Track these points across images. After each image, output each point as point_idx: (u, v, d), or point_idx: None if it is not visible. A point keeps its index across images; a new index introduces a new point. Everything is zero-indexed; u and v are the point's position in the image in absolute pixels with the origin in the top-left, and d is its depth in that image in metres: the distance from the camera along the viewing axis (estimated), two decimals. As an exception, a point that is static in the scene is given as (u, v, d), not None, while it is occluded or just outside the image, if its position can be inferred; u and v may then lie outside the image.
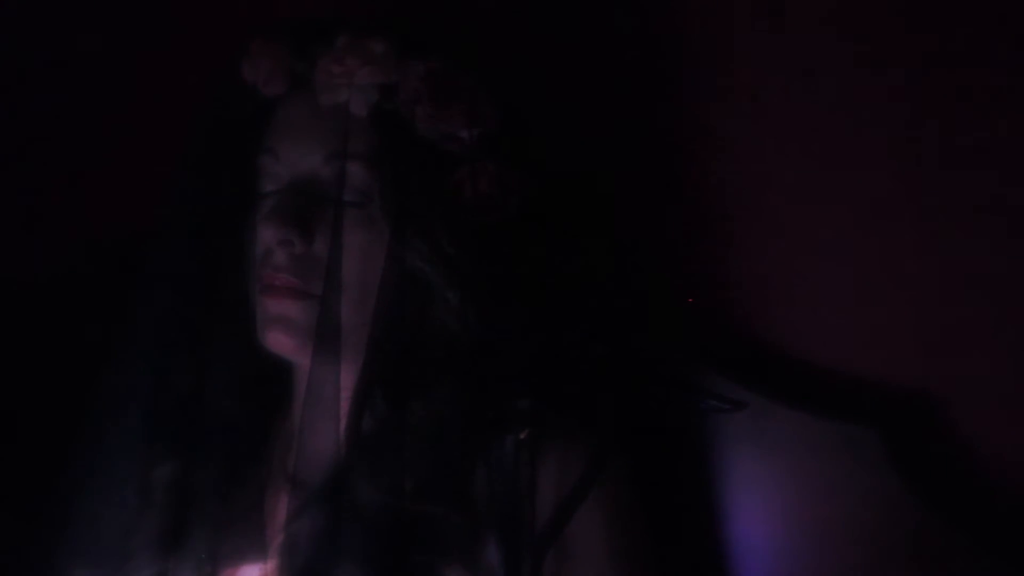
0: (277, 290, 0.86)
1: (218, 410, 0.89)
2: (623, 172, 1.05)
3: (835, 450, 0.94)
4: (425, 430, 0.85)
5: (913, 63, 0.94)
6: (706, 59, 1.02)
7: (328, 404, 0.83)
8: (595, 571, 0.86)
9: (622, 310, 1.00)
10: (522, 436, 0.85)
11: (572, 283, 0.95)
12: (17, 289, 1.14)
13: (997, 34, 0.92)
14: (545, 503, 0.85)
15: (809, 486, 0.96)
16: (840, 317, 0.97)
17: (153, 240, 0.92)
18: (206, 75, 0.94)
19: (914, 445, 0.92)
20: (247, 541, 0.86)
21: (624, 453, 0.90)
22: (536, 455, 0.85)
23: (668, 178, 1.03)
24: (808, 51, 0.97)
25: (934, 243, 0.94)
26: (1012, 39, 0.91)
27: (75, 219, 1.19)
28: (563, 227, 0.95)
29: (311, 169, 0.87)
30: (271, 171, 0.89)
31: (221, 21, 1.11)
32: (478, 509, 0.83)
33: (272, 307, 0.87)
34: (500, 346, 0.86)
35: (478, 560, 0.82)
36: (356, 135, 0.86)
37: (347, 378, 0.84)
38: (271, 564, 0.85)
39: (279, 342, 0.87)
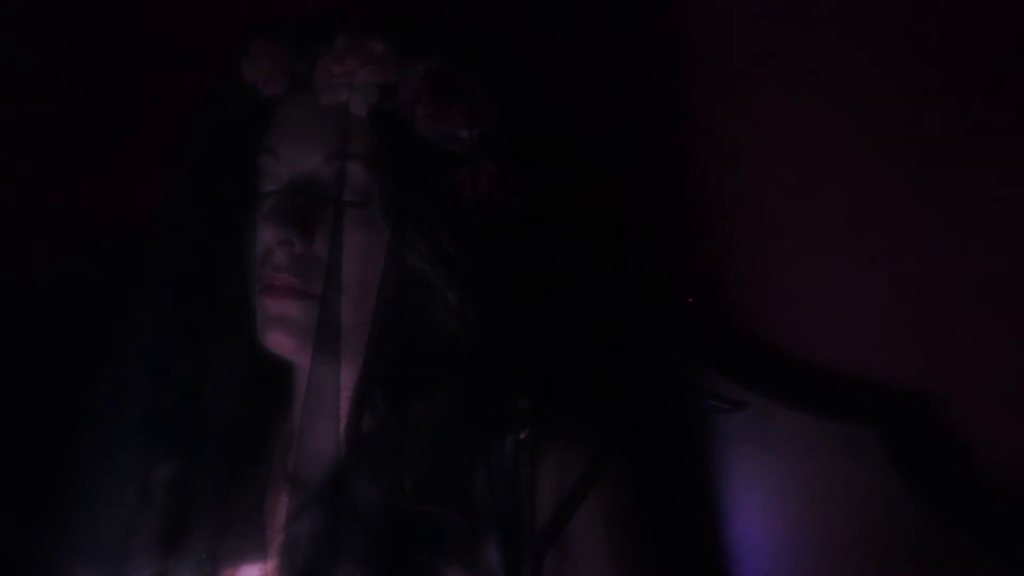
0: (277, 290, 0.86)
1: (218, 410, 0.88)
2: (623, 172, 1.05)
3: (835, 450, 0.94)
4: (425, 430, 0.85)
5: (913, 63, 0.94)
6: (706, 59, 1.02)
7: (328, 404, 0.83)
8: (595, 571, 0.86)
9: (622, 310, 1.00)
10: (522, 436, 0.85)
11: (572, 283, 0.95)
12: (17, 289, 1.14)
13: (997, 34, 0.92)
14: (545, 503, 0.85)
15: (809, 486, 0.96)
16: (840, 317, 0.97)
17: (153, 240, 0.92)
18: (206, 75, 0.94)
19: (914, 445, 0.92)
20: (247, 541, 0.86)
21: (624, 453, 0.90)
22: (536, 455, 0.85)
23: (668, 178, 1.03)
24: (808, 51, 0.97)
25: (934, 243, 0.94)
26: (1013, 39, 0.91)
27: (75, 219, 1.19)
28: (563, 227, 0.95)
29: (311, 169, 0.87)
30: (271, 171, 0.89)
31: (221, 21, 1.11)
32: (478, 509, 0.83)
33: (272, 307, 0.87)
34: (500, 346, 0.86)
35: (478, 560, 0.82)
36: (356, 135, 0.86)
37: (347, 378, 0.84)
38: (271, 564, 0.85)
39: (279, 342, 0.87)
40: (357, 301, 0.85)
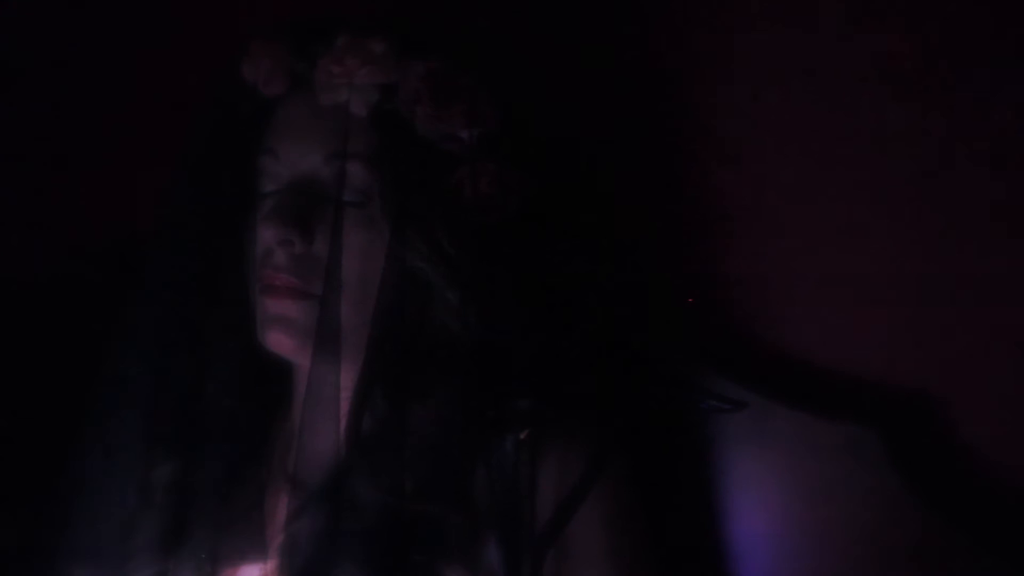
0: (277, 290, 0.86)
1: (218, 410, 0.88)
2: (623, 172, 1.05)
3: (835, 450, 0.94)
4: (425, 430, 0.85)
5: (913, 63, 0.94)
6: (706, 59, 1.02)
7: (328, 404, 0.83)
8: (595, 571, 0.86)
9: (622, 310, 1.00)
10: (522, 436, 0.85)
11: (572, 283, 0.95)
12: (17, 289, 1.14)
13: (998, 34, 0.92)
14: (545, 503, 0.85)
15: (809, 486, 0.96)
16: (840, 317, 0.97)
17: (153, 240, 0.92)
18: (206, 75, 0.94)
19: (914, 445, 0.92)
20: (247, 541, 0.86)
21: (624, 453, 0.90)
22: (536, 455, 0.85)
23: (668, 178, 1.03)
24: (808, 51, 0.97)
25: (934, 243, 0.94)
26: (1013, 39, 0.91)
27: (75, 219, 1.19)
28: (563, 227, 0.95)
29: (311, 169, 0.87)
30: (271, 171, 0.89)
31: (221, 21, 1.11)
32: (478, 509, 0.83)
33: (272, 307, 0.87)
34: (500, 346, 0.86)
35: (478, 560, 0.82)
36: (356, 135, 0.86)
37: (347, 378, 0.84)
38: (271, 564, 0.85)
39: (279, 342, 0.87)
40: (357, 301, 0.85)
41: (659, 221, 1.04)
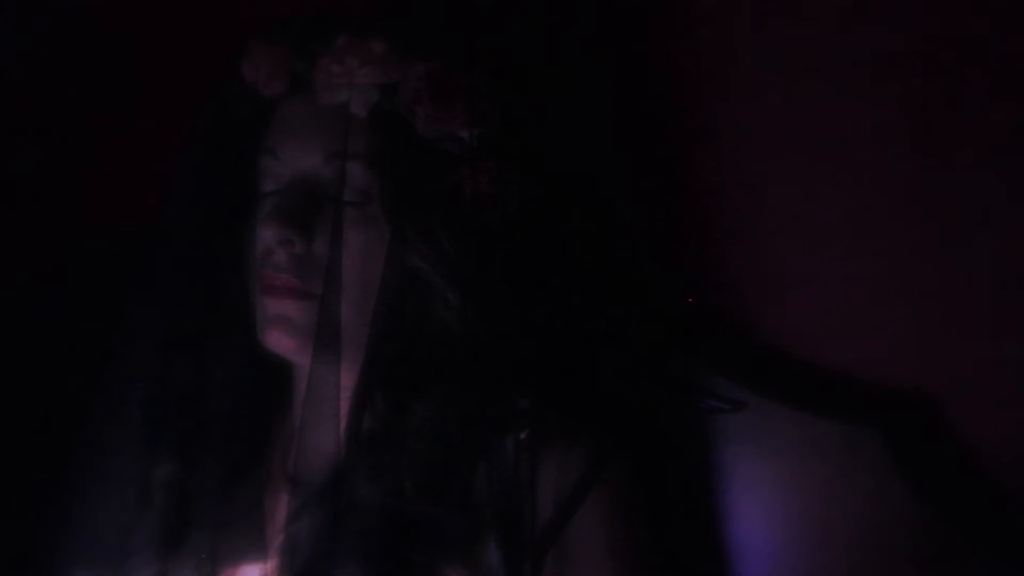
0: (277, 290, 0.86)
1: (218, 410, 0.89)
2: (623, 172, 1.05)
3: (835, 450, 0.94)
4: (425, 430, 0.85)
5: (913, 63, 0.94)
6: (706, 59, 1.02)
7: (328, 404, 0.83)
8: (595, 571, 0.86)
9: (622, 310, 1.00)
10: (522, 436, 0.85)
11: (572, 283, 0.95)
12: (17, 289, 1.14)
13: (998, 34, 0.92)
14: (545, 503, 0.85)
15: (809, 486, 0.96)
16: (840, 317, 0.97)
17: (153, 240, 0.92)
18: (206, 75, 0.94)
19: (914, 445, 0.92)
20: (247, 541, 0.86)
21: (624, 453, 0.90)
22: (536, 455, 0.85)
23: (668, 178, 1.03)
24: (808, 51, 0.97)
25: (934, 243, 0.94)
26: (1013, 39, 0.91)
27: (75, 219, 1.19)
28: (563, 227, 0.95)
29: (311, 169, 0.87)
30: (271, 171, 0.89)
31: (221, 21, 1.11)
32: (478, 509, 0.83)
33: (272, 307, 0.87)
34: (500, 346, 0.86)
35: (478, 560, 0.82)
36: (356, 135, 0.86)
37: (347, 378, 0.84)
38: (271, 564, 0.85)
39: (279, 342, 0.87)
40: (357, 301, 0.85)
41: (659, 221, 1.04)
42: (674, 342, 1.00)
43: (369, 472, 0.83)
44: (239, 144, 0.90)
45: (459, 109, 0.86)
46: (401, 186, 0.86)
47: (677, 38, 1.02)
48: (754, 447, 0.97)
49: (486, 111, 0.88)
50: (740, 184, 1.01)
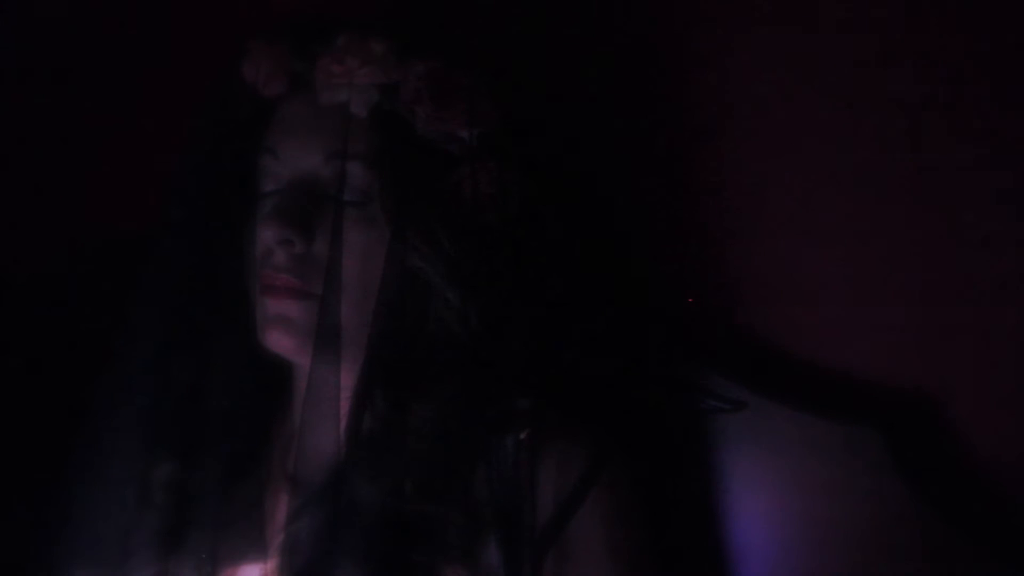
0: (277, 290, 0.86)
1: (218, 410, 0.89)
2: (623, 172, 1.05)
3: (835, 450, 0.94)
4: (425, 430, 0.85)
5: (914, 63, 0.94)
6: (706, 59, 1.02)
7: (328, 404, 0.83)
8: (595, 571, 0.86)
9: (622, 310, 1.00)
10: (522, 436, 0.85)
11: (572, 283, 0.95)
12: (17, 289, 1.14)
13: (998, 34, 0.92)
14: (545, 503, 0.85)
15: (809, 486, 0.96)
16: (840, 317, 0.97)
17: (153, 240, 0.92)
18: (206, 75, 0.94)
19: (914, 445, 0.92)
20: (247, 541, 0.86)
21: (624, 453, 0.90)
22: (536, 455, 0.85)
23: (668, 178, 1.03)
24: (808, 51, 0.97)
25: (934, 243, 0.94)
26: (1013, 39, 0.91)
27: (75, 219, 1.19)
28: (563, 227, 0.95)
29: (311, 169, 0.87)
30: (271, 171, 0.89)
31: (221, 21, 1.11)
32: (478, 509, 0.83)
33: (272, 307, 0.87)
34: (500, 346, 0.86)
35: (478, 560, 0.82)
36: (356, 135, 0.86)
37: (347, 378, 0.84)
38: (271, 564, 0.85)
39: (279, 342, 0.87)
40: (357, 301, 0.85)
41: (659, 221, 1.04)
42: (674, 342, 1.00)
43: (369, 472, 0.83)
44: (239, 144, 0.90)
45: (459, 109, 0.86)
46: (401, 186, 0.86)
47: (677, 38, 1.02)
48: (754, 447, 0.97)
49: (486, 111, 0.88)
50: (740, 184, 1.01)
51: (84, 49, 1.19)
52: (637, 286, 1.03)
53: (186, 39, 1.15)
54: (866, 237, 0.96)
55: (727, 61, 1.01)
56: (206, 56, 0.95)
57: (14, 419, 1.07)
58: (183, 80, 1.01)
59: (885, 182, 0.96)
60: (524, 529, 0.83)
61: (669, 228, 1.03)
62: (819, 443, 0.94)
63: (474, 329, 0.86)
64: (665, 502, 0.95)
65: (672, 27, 1.03)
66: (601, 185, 1.04)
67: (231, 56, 0.91)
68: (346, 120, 0.86)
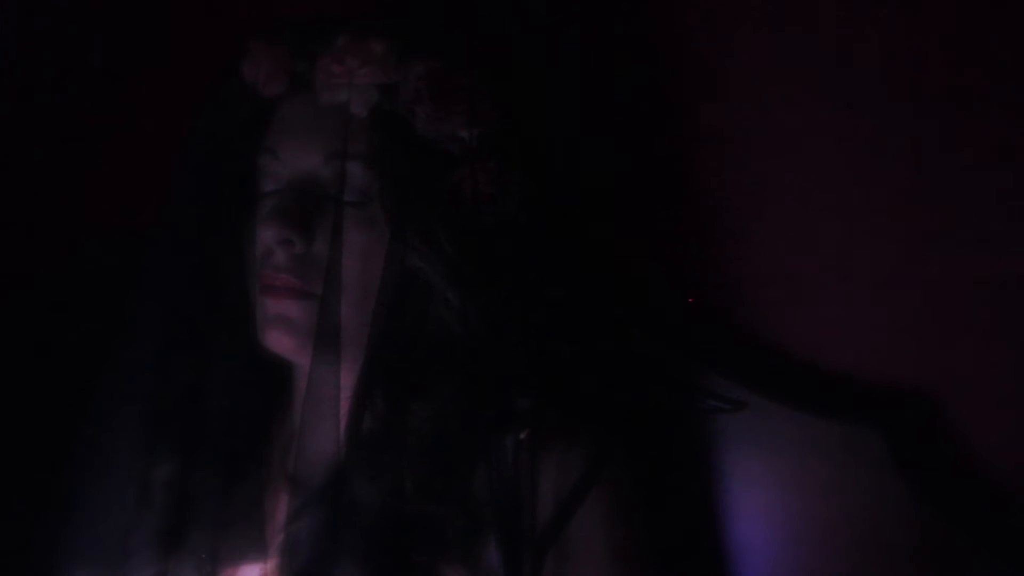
0: (277, 290, 0.86)
1: (218, 410, 0.88)
2: (623, 172, 1.05)
3: (835, 450, 0.94)
4: (425, 430, 0.85)
5: (914, 63, 0.94)
6: (706, 59, 1.02)
7: (328, 404, 0.83)
8: (595, 571, 0.86)
9: (622, 310, 1.01)
10: (522, 436, 0.85)
11: (572, 283, 0.95)
12: (17, 289, 1.14)
13: (998, 34, 0.92)
14: (545, 503, 0.85)
15: (809, 486, 0.96)
16: (840, 317, 0.97)
17: (154, 240, 0.92)
18: (206, 75, 0.94)
19: (914, 445, 0.92)
20: (247, 541, 0.86)
21: (624, 453, 0.90)
22: (536, 455, 0.85)
23: (668, 178, 1.03)
24: (808, 51, 0.97)
25: (934, 243, 0.94)
26: (1013, 39, 0.91)
27: (75, 219, 1.19)
28: (563, 227, 0.95)
29: (311, 169, 0.87)
30: (271, 171, 0.89)
31: (221, 21, 1.11)
32: (478, 509, 0.83)
33: (272, 307, 0.87)
34: (500, 346, 0.86)
35: (478, 560, 0.82)
36: (356, 135, 0.86)
37: (347, 378, 0.84)
38: (271, 564, 0.85)
39: (279, 342, 0.87)
40: (357, 301, 0.85)
41: (659, 221, 1.04)
42: (674, 342, 1.00)
43: (369, 472, 0.83)
44: (239, 144, 0.90)
45: (459, 109, 0.86)
46: (401, 186, 0.86)
47: (677, 38, 1.02)
48: (754, 447, 0.97)
49: (486, 111, 0.88)
50: (740, 185, 1.01)
51: (84, 49, 1.19)
52: (637, 286, 1.03)
53: (186, 39, 1.15)
54: (866, 237, 0.96)
55: (727, 61, 1.01)
56: (206, 56, 0.95)
57: (14, 419, 1.07)
58: (183, 80, 1.01)
59: (885, 182, 0.96)
60: (524, 529, 0.83)
61: (669, 228, 1.03)
62: (819, 443, 0.94)
63: (474, 329, 0.86)
64: (665, 502, 0.95)
65: (672, 27, 1.03)
66: (601, 185, 1.04)
67: (231, 56, 0.91)
68: (346, 120, 0.86)
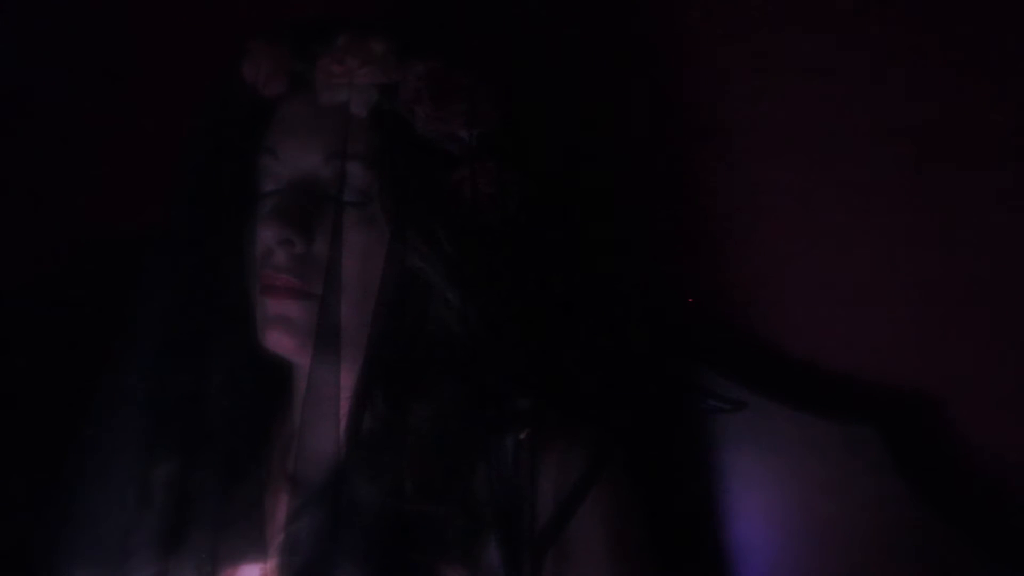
0: (277, 290, 0.86)
1: (218, 410, 0.89)
2: (623, 172, 1.05)
3: (835, 450, 0.94)
4: (425, 430, 0.85)
5: (914, 63, 0.94)
6: (706, 59, 1.02)
7: (328, 404, 0.83)
8: (595, 571, 0.86)
9: (622, 310, 1.00)
10: (522, 436, 0.85)
11: (572, 283, 0.95)
12: (17, 289, 1.14)
13: (998, 34, 0.92)
14: (545, 503, 0.85)
15: (809, 486, 0.96)
16: (840, 317, 0.97)
17: (153, 240, 0.92)
18: (206, 75, 0.94)
19: (914, 445, 0.92)
20: (247, 541, 0.86)
21: (624, 453, 0.90)
22: (536, 455, 0.85)
23: (668, 178, 1.03)
24: (808, 51, 0.97)
25: (934, 243, 0.94)
26: (1013, 39, 0.91)
27: (75, 219, 1.19)
28: (563, 227, 0.95)
29: (311, 169, 0.87)
30: (271, 171, 0.89)
31: (221, 21, 1.11)
32: (478, 509, 0.83)
33: (272, 307, 0.87)
34: (500, 346, 0.86)
35: (478, 560, 0.82)
36: (356, 135, 0.86)
37: (347, 378, 0.84)
38: (271, 564, 0.85)
39: (279, 342, 0.87)
40: (357, 301, 0.85)
41: (659, 221, 1.04)
42: (674, 342, 1.00)
43: (369, 472, 0.83)
44: (239, 144, 0.90)
45: (459, 109, 0.86)
46: (401, 186, 0.86)
47: (677, 38, 1.02)
48: (754, 447, 0.97)
49: (486, 111, 0.88)
50: (740, 184, 1.01)
51: (84, 49, 1.19)
52: (637, 286, 1.03)
53: (186, 39, 1.15)
54: (866, 237, 0.96)
55: (727, 60, 1.01)
56: (206, 56, 0.95)
57: (14, 419, 1.07)
58: (183, 80, 1.01)
59: (885, 182, 0.96)
60: (524, 529, 0.83)
61: (669, 228, 1.03)
62: (819, 443, 0.94)
63: (474, 329, 0.86)
64: (665, 502, 0.95)
65: (672, 27, 1.02)
66: (601, 185, 1.04)
67: (231, 56, 0.91)
68: (346, 120, 0.86)
